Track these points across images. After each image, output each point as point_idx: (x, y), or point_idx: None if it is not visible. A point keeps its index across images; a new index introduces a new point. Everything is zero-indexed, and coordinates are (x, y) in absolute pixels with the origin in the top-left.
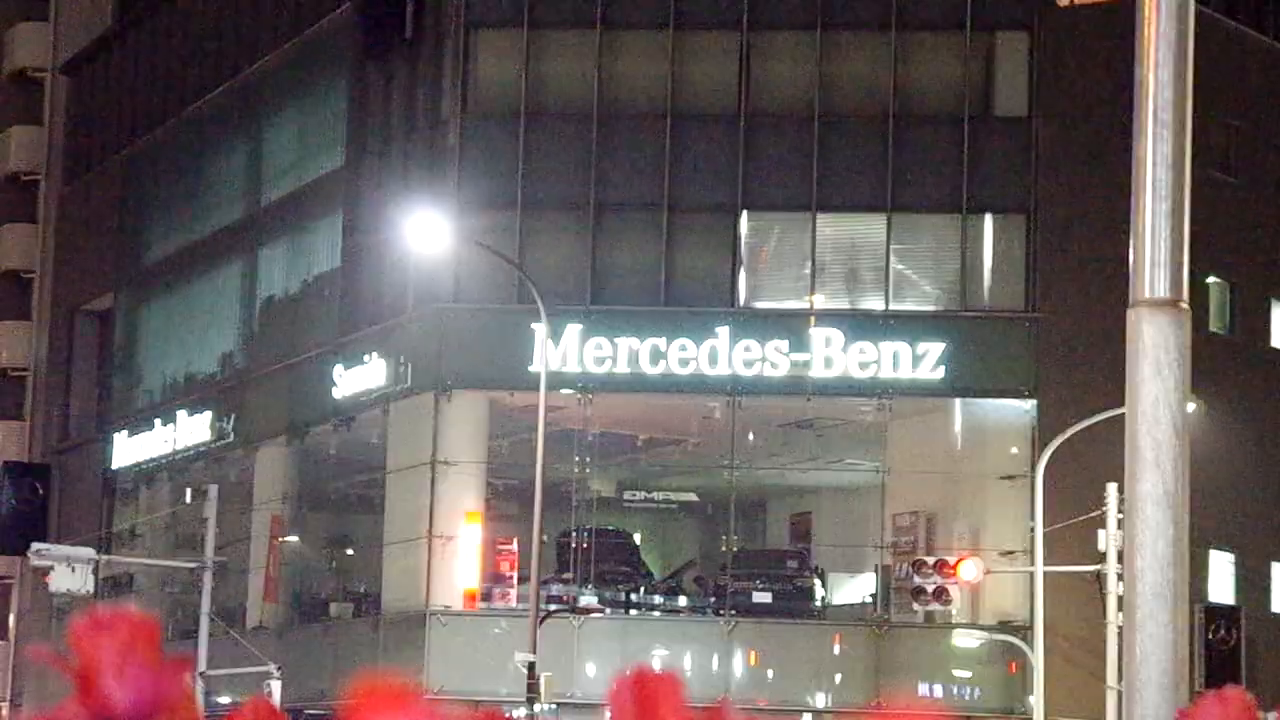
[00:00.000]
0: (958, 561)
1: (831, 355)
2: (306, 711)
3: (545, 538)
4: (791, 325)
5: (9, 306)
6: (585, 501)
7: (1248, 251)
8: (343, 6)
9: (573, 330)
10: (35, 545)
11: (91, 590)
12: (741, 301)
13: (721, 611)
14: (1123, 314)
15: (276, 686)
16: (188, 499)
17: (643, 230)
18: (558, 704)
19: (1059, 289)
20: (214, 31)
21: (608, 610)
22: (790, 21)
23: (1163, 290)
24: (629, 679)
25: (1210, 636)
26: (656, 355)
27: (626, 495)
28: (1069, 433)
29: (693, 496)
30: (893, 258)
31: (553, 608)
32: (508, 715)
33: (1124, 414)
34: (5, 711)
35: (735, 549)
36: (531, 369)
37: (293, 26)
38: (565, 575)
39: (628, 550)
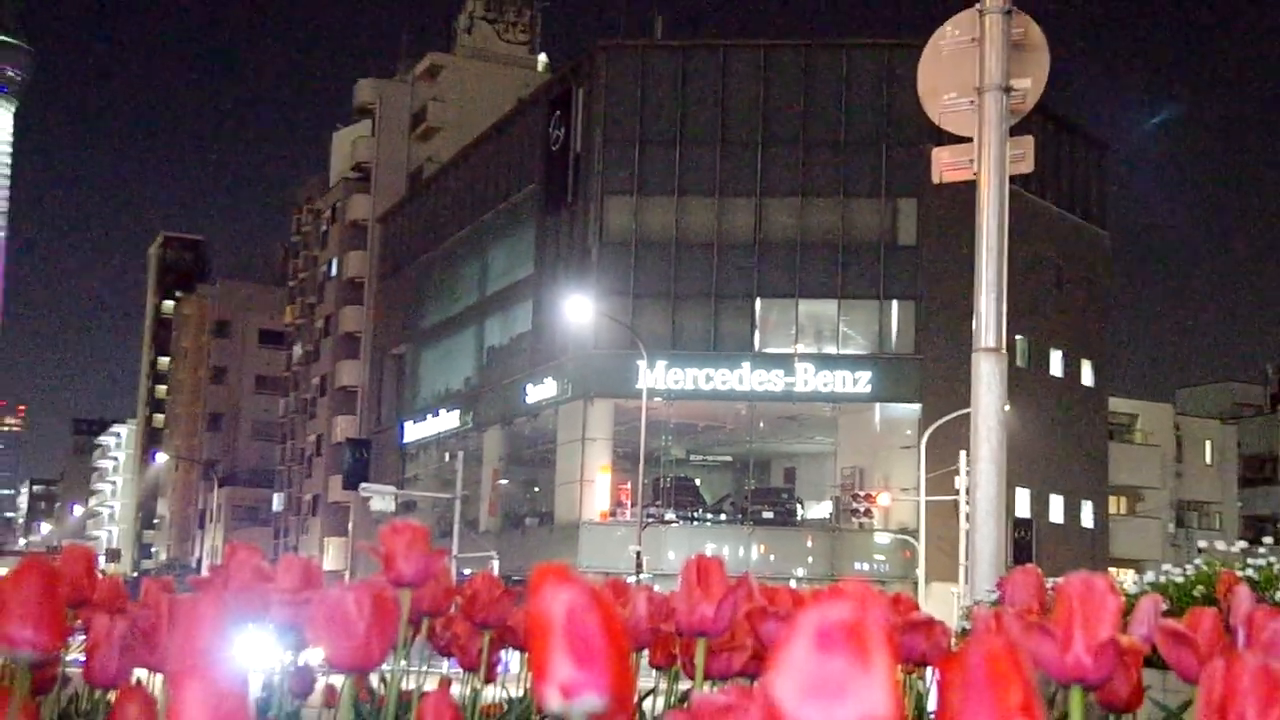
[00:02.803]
0: (877, 494)
1: (808, 379)
2: (513, 578)
3: (645, 481)
4: (784, 362)
5: (349, 353)
6: (668, 461)
7: (1036, 321)
8: (532, 183)
9: (660, 365)
10: (363, 484)
11: (393, 510)
12: (756, 349)
13: (745, 523)
14: (969, 357)
15: (495, 564)
16: (446, 460)
17: (701, 309)
18: (653, 574)
19: (934, 342)
20: (462, 198)
21: (680, 522)
22: (784, 192)
23: (991, 343)
24: (692, 561)
25: (1016, 536)
26: (709, 379)
27: (692, 457)
28: (939, 423)
29: (729, 458)
30: (841, 324)
31: (649, 520)
32: (625, 581)
33: (970, 412)
34: (347, 578)
35: (752, 488)
36: (638, 386)
37: (504, 194)
38: (657, 502)
39: (692, 488)
